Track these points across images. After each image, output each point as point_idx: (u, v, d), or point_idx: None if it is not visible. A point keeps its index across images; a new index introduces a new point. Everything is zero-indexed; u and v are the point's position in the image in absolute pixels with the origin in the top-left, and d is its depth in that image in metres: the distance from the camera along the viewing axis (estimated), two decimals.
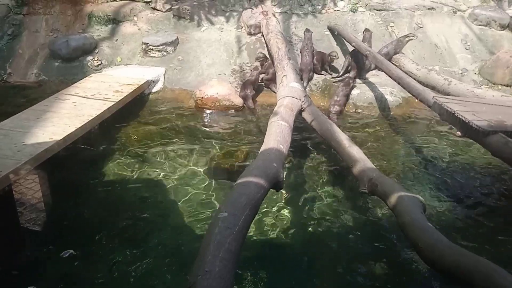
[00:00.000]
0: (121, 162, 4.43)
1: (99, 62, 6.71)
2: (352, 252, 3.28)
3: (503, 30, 7.25)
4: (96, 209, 3.73)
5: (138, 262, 3.11)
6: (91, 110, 4.67)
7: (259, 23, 6.90)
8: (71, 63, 6.69)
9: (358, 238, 3.42)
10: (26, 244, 3.31)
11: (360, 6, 7.44)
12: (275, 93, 5.44)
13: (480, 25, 7.30)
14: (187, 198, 3.87)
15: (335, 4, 7.45)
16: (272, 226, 3.52)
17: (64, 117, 4.44)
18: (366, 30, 6.74)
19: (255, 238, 3.37)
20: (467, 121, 3.48)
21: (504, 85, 6.47)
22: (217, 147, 4.78)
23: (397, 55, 6.47)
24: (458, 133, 3.74)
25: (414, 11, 7.40)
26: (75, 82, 5.71)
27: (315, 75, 6.42)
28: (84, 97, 5.08)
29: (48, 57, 6.82)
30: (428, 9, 7.42)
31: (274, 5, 7.42)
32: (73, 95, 5.13)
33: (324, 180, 4.20)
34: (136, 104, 5.65)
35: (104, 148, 4.67)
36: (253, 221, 2.45)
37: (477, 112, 3.64)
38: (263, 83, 6.20)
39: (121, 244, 3.31)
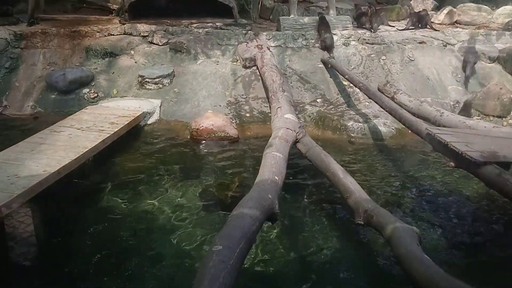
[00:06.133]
0: (115, 194, 4.39)
1: (96, 95, 6.76)
2: (347, 284, 3.23)
3: (492, 63, 7.43)
4: (89, 243, 3.67)
5: None
6: (86, 142, 4.67)
7: (254, 56, 7.03)
8: (68, 96, 6.74)
9: (353, 269, 3.38)
10: (16, 278, 3.23)
11: (353, 40, 7.63)
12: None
13: None
14: (181, 230, 3.82)
15: None
16: (265, 258, 3.47)
17: (59, 149, 4.43)
18: (319, 13, 7.55)
19: (248, 271, 3.32)
20: (460, 152, 3.50)
21: (496, 116, 6.57)
22: (212, 178, 4.77)
23: (389, 87, 6.56)
24: (452, 163, 3.76)
25: (405, 45, 7.60)
26: (71, 114, 5.74)
27: (309, 107, 6.50)
28: (79, 129, 5.09)
29: (44, 89, 6.87)
30: (419, 42, 7.64)
31: (269, 39, 7.59)
32: (68, 127, 5.15)
33: (319, 211, 4.18)
34: (131, 136, 5.66)
35: (98, 180, 4.64)
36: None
37: (470, 143, 3.67)
38: None
39: (113, 278, 3.24)
